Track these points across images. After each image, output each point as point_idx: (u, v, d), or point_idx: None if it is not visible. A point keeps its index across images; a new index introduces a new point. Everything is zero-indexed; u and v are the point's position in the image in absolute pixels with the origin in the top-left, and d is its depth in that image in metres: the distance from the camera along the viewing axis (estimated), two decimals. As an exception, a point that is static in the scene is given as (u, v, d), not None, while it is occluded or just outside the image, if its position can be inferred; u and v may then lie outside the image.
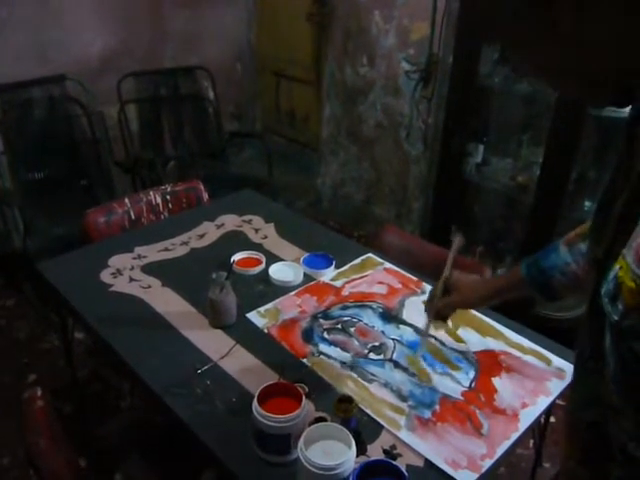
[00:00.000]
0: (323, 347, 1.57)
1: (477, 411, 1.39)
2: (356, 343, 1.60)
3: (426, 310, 1.47)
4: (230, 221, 2.21)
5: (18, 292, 3.16)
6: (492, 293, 1.37)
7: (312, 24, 3.68)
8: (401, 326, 1.67)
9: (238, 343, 1.56)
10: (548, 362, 1.55)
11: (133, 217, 2.28)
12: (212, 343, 1.56)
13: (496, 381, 1.49)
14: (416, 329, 1.66)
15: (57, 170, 3.20)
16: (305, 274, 1.88)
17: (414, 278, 1.90)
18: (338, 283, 1.86)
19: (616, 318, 0.58)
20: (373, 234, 2.35)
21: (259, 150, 3.92)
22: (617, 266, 0.58)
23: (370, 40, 3.39)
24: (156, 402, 1.41)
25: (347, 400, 1.28)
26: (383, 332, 1.65)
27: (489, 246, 3.01)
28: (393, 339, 1.62)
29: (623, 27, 0.56)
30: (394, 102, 3.39)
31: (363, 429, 1.30)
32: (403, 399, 1.41)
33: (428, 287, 1.84)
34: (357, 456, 1.19)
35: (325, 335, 1.62)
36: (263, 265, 1.91)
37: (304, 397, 1.26)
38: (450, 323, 1.66)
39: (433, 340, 1.62)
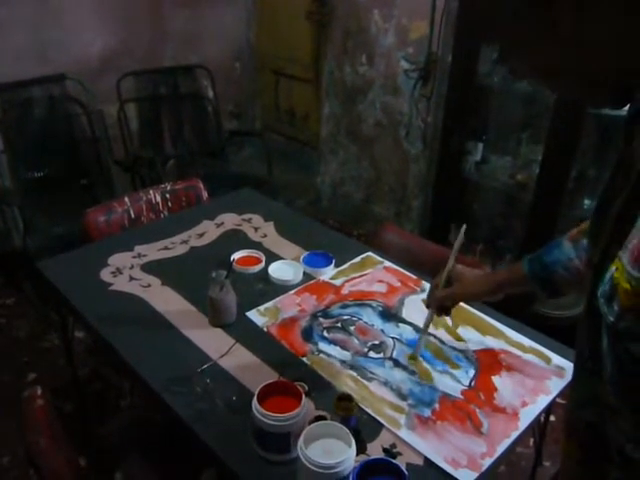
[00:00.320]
0: (323, 346, 1.58)
1: (477, 410, 1.39)
2: (356, 342, 1.60)
3: (428, 302, 1.47)
4: (230, 220, 2.21)
5: (18, 291, 3.16)
6: (493, 287, 1.36)
7: (311, 23, 3.68)
8: (401, 324, 1.67)
9: (238, 342, 1.56)
10: (548, 361, 1.55)
11: (133, 216, 2.28)
12: (212, 342, 1.57)
13: (496, 380, 1.49)
14: (416, 328, 1.66)
15: (57, 169, 3.20)
16: (305, 273, 1.88)
17: (414, 276, 1.90)
18: (338, 282, 1.86)
19: (612, 319, 0.58)
20: (373, 233, 2.35)
21: (259, 149, 3.92)
22: (613, 267, 0.58)
23: (369, 39, 3.39)
24: (156, 401, 1.41)
25: (347, 399, 1.28)
26: (383, 331, 1.65)
27: (489, 244, 3.01)
28: (393, 337, 1.62)
29: (623, 27, 0.56)
30: (393, 101, 3.39)
31: (363, 428, 1.30)
32: (403, 398, 1.41)
33: (428, 285, 1.83)
34: (357, 455, 1.19)
35: (325, 334, 1.62)
36: (263, 264, 1.91)
37: (304, 396, 1.26)
38: (450, 321, 1.67)
39: (433, 339, 1.62)
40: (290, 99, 4.11)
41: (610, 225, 0.64)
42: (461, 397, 1.43)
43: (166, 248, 2.02)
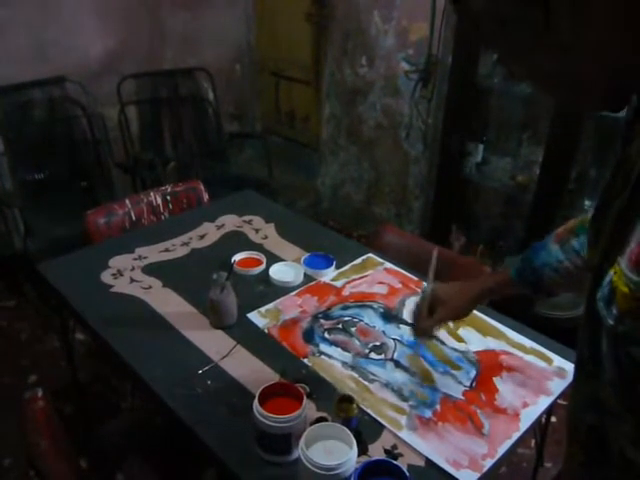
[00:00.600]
0: (324, 347, 1.58)
1: (478, 411, 1.39)
2: (357, 343, 1.60)
3: (415, 332, 1.44)
4: (230, 221, 2.21)
5: (19, 293, 3.16)
6: (478, 297, 1.35)
7: (311, 25, 3.68)
8: (402, 326, 1.67)
9: (239, 343, 1.56)
10: (549, 362, 1.55)
11: (133, 218, 2.28)
12: (213, 343, 1.56)
13: (497, 381, 1.49)
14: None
15: (57, 171, 3.21)
16: (306, 274, 1.88)
17: (414, 278, 1.90)
18: (339, 283, 1.86)
19: (611, 323, 0.58)
20: (373, 234, 2.34)
21: (259, 151, 3.92)
22: (612, 271, 0.58)
23: (369, 40, 3.39)
24: (157, 403, 1.41)
25: (348, 400, 1.28)
26: (384, 332, 1.65)
27: (489, 245, 3.01)
28: (394, 339, 1.62)
29: (620, 32, 0.55)
30: (394, 102, 3.39)
31: (364, 429, 1.30)
32: (404, 399, 1.41)
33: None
34: (358, 456, 1.19)
35: (326, 335, 1.62)
36: (264, 265, 1.91)
37: (305, 397, 1.26)
38: (451, 322, 1.67)
39: (434, 340, 1.62)
40: (290, 101, 4.11)
41: (609, 228, 0.63)
42: (462, 398, 1.43)
43: (167, 250, 2.02)
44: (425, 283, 1.40)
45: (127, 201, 2.29)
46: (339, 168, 3.95)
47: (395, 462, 1.19)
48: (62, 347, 2.48)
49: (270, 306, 1.74)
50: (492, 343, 1.62)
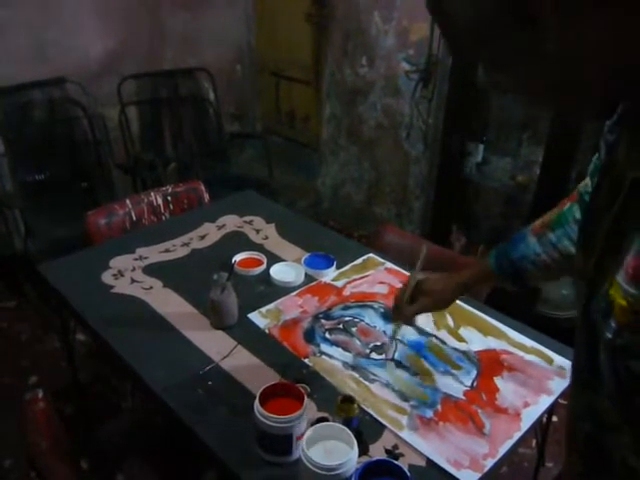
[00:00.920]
0: (325, 347, 1.57)
1: (479, 410, 1.39)
2: (358, 343, 1.60)
3: (394, 318, 1.45)
4: (231, 222, 2.21)
5: (19, 294, 3.16)
6: (460, 290, 1.36)
7: (311, 25, 3.68)
8: (403, 326, 1.67)
9: (240, 344, 1.56)
10: (550, 361, 1.55)
11: (134, 218, 2.28)
12: (213, 344, 1.56)
13: (498, 380, 1.49)
14: (418, 329, 1.66)
15: (58, 172, 3.21)
16: (306, 274, 1.88)
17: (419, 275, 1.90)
18: (339, 283, 1.86)
19: (609, 336, 0.58)
20: (374, 234, 2.34)
21: (259, 151, 3.92)
22: (607, 283, 0.57)
23: (369, 41, 3.39)
24: (157, 403, 1.41)
25: (349, 400, 1.28)
26: (385, 332, 1.65)
27: (489, 245, 3.01)
28: (395, 339, 1.62)
29: (609, 43, 0.54)
30: (394, 102, 3.39)
31: (365, 429, 1.30)
32: (405, 399, 1.41)
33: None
34: (359, 456, 1.19)
35: (327, 335, 1.62)
36: (264, 266, 1.91)
37: (306, 397, 1.26)
38: (452, 321, 1.68)
39: (434, 339, 1.62)
40: (291, 101, 4.11)
41: (602, 238, 0.63)
42: (463, 398, 1.43)
43: (167, 250, 2.02)
44: (411, 273, 1.40)
45: (128, 201, 2.29)
46: (339, 168, 3.94)
47: (396, 462, 1.19)
48: (62, 348, 2.48)
49: (271, 306, 1.74)
50: (493, 343, 1.62)
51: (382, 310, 1.74)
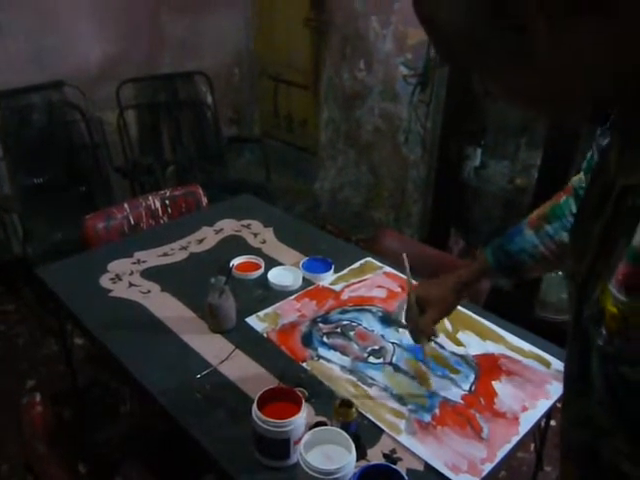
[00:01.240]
0: (322, 351, 1.57)
1: (477, 415, 1.39)
2: (355, 347, 1.60)
3: (416, 338, 1.42)
4: (229, 226, 2.21)
5: (18, 298, 3.16)
6: (458, 289, 1.35)
7: (310, 29, 3.69)
8: (401, 330, 1.67)
9: (238, 348, 1.56)
10: (548, 365, 1.55)
11: (132, 222, 2.28)
12: (211, 348, 1.56)
13: (496, 384, 1.49)
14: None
15: (56, 176, 3.20)
16: (304, 278, 1.88)
17: (413, 282, 1.89)
18: (337, 287, 1.86)
19: (601, 343, 0.58)
20: (372, 238, 2.35)
21: (257, 155, 3.92)
22: (598, 290, 0.57)
23: (367, 45, 3.39)
24: (155, 407, 1.41)
25: (347, 404, 1.28)
26: (383, 336, 1.65)
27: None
28: (393, 343, 1.62)
29: (600, 50, 0.54)
30: (392, 107, 3.40)
31: (363, 433, 1.30)
32: (403, 403, 1.41)
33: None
34: (357, 460, 1.19)
35: (324, 339, 1.62)
36: (262, 270, 1.91)
37: (304, 401, 1.26)
38: (450, 326, 1.68)
39: (433, 344, 1.62)
40: (289, 105, 4.12)
41: (594, 245, 0.63)
42: (461, 402, 1.42)
43: (165, 254, 2.02)
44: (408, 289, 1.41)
45: (126, 205, 2.29)
46: (337, 172, 3.95)
47: (394, 466, 1.19)
48: (61, 351, 2.47)
49: (269, 310, 1.74)
50: (491, 347, 1.62)
51: (380, 314, 1.74)
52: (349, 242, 2.88)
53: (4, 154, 3.04)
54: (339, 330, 1.66)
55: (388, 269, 1.97)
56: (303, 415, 1.23)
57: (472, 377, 1.51)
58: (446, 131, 2.93)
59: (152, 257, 1.99)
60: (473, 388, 1.47)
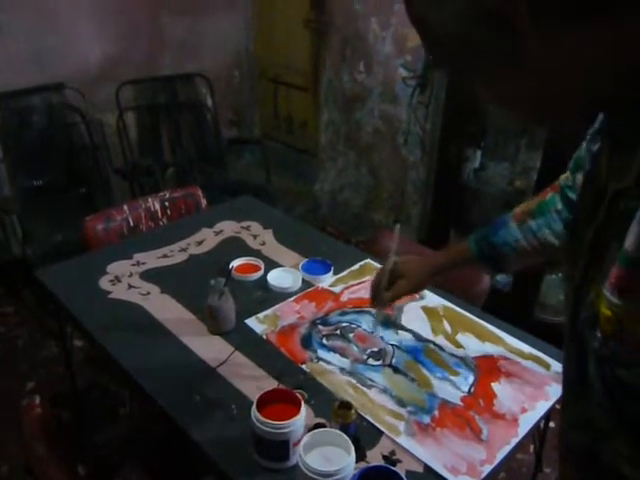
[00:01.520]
0: (322, 353, 1.57)
1: (476, 416, 1.39)
2: (355, 349, 1.60)
3: (374, 304, 1.48)
4: (229, 227, 2.22)
5: (17, 299, 3.16)
6: (437, 271, 1.40)
7: (310, 31, 3.69)
8: (400, 331, 1.67)
9: (237, 349, 1.56)
10: (547, 367, 1.55)
11: (132, 224, 2.28)
12: (211, 350, 1.56)
13: (495, 386, 1.49)
14: (415, 335, 1.66)
15: (56, 177, 3.21)
16: (304, 280, 1.88)
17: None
18: (337, 289, 1.86)
19: (596, 346, 0.58)
20: (371, 239, 2.35)
21: (257, 156, 3.93)
22: (593, 293, 0.58)
23: (367, 47, 3.40)
24: (155, 409, 1.41)
25: (346, 406, 1.28)
26: (382, 338, 1.65)
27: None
28: (392, 344, 1.62)
29: (590, 53, 0.53)
30: (391, 108, 3.40)
31: (362, 435, 1.30)
32: (402, 405, 1.41)
33: (426, 292, 1.84)
34: (356, 462, 1.19)
35: (324, 341, 1.62)
36: (262, 271, 1.91)
37: (303, 403, 1.26)
38: (449, 327, 1.68)
39: (432, 346, 1.62)
40: (289, 107, 4.12)
41: (587, 248, 0.63)
42: (460, 404, 1.43)
43: (165, 256, 2.02)
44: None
45: (125, 207, 2.29)
46: (337, 174, 3.95)
47: (393, 468, 1.19)
48: (60, 353, 2.48)
49: (268, 312, 1.74)
50: (490, 348, 1.62)
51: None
52: (349, 244, 2.88)
53: (4, 155, 3.04)
54: (338, 332, 1.66)
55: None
56: (302, 417, 1.23)
57: (471, 379, 1.51)
58: (445, 133, 2.93)
59: (152, 259, 1.99)
60: (472, 390, 1.47)
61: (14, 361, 2.76)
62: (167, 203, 2.39)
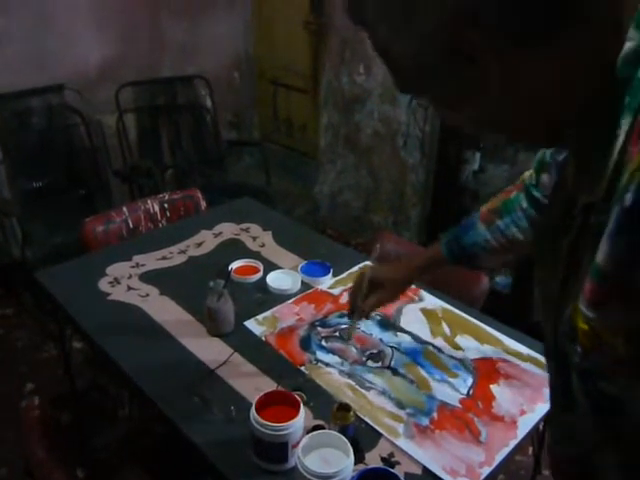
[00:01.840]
0: (321, 355, 1.58)
1: (475, 418, 1.39)
2: (354, 351, 1.60)
3: (352, 312, 1.50)
4: (228, 229, 2.22)
5: (17, 301, 3.16)
6: (412, 277, 1.46)
7: (309, 32, 3.70)
8: (399, 333, 1.67)
9: (236, 351, 1.56)
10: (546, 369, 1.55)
11: (131, 226, 2.28)
12: (210, 351, 1.56)
13: (494, 388, 1.49)
14: (414, 337, 1.66)
15: (55, 179, 3.21)
16: (303, 282, 1.88)
17: (412, 285, 1.90)
18: (336, 291, 1.87)
19: (577, 360, 0.58)
20: (370, 242, 2.35)
21: (257, 158, 3.93)
22: (570, 307, 0.58)
23: (367, 49, 3.39)
24: (154, 411, 1.41)
25: (345, 408, 1.28)
26: (381, 340, 1.65)
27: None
28: (391, 346, 1.62)
29: (549, 74, 0.55)
30: (391, 110, 3.40)
31: (361, 437, 1.30)
32: (401, 407, 1.41)
33: (426, 294, 1.85)
34: (355, 464, 1.19)
35: (323, 343, 1.62)
36: (261, 273, 1.91)
37: (302, 405, 1.26)
38: (448, 329, 1.68)
39: (431, 347, 1.62)
40: (288, 109, 4.13)
41: (564, 262, 0.63)
42: (459, 406, 1.43)
43: (164, 258, 2.02)
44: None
45: (125, 209, 2.29)
46: (337, 176, 3.95)
47: (392, 470, 1.19)
48: (59, 355, 2.47)
49: (267, 314, 1.74)
50: (489, 351, 1.62)
51: (378, 318, 1.74)
52: (348, 246, 2.88)
53: (3, 157, 3.04)
54: (337, 334, 1.66)
55: (387, 273, 1.97)
56: (301, 419, 1.23)
57: (470, 381, 1.51)
58: (445, 135, 2.94)
59: (151, 260, 1.99)
60: (471, 392, 1.47)
61: (13, 363, 2.76)
62: (166, 205, 2.39)
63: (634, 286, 0.49)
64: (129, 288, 1.84)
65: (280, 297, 1.82)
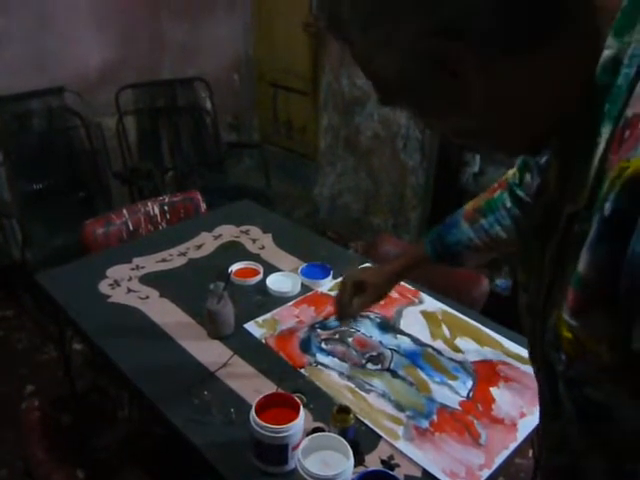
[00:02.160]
0: (321, 357, 1.58)
1: (475, 421, 1.39)
2: (354, 353, 1.60)
3: (339, 316, 1.51)
4: (228, 231, 2.22)
5: (17, 303, 3.16)
6: (397, 277, 1.46)
7: (309, 35, 3.70)
8: (399, 336, 1.68)
9: (236, 354, 1.56)
10: (545, 371, 1.55)
11: (131, 228, 2.28)
12: (210, 354, 1.57)
13: (494, 391, 1.49)
14: (414, 339, 1.66)
15: (56, 181, 3.21)
16: (303, 284, 1.88)
17: (411, 288, 1.90)
18: (336, 293, 1.86)
19: (561, 368, 0.59)
20: (370, 244, 2.35)
21: (257, 160, 3.93)
22: (554, 316, 0.58)
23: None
24: (154, 413, 1.41)
25: (345, 410, 1.28)
26: (381, 342, 1.65)
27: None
28: (391, 349, 1.62)
29: (533, 85, 0.55)
30: (391, 113, 3.40)
31: (361, 439, 1.30)
32: (401, 409, 1.41)
33: (425, 297, 1.85)
34: (355, 466, 1.19)
35: (323, 345, 1.62)
36: (261, 275, 1.91)
37: (302, 407, 1.26)
38: (448, 332, 1.68)
39: (431, 350, 1.62)
40: (288, 111, 4.13)
41: (549, 269, 0.63)
42: (459, 408, 1.43)
43: (164, 260, 2.02)
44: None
45: (125, 211, 2.29)
46: (337, 178, 3.95)
47: (392, 473, 1.20)
48: (60, 357, 2.47)
49: (267, 316, 1.74)
50: (489, 353, 1.63)
51: (378, 320, 1.74)
52: (348, 248, 2.88)
53: (4, 159, 3.04)
54: (337, 336, 1.66)
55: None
56: (301, 421, 1.23)
57: (470, 383, 1.51)
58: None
59: (151, 263, 2.00)
60: (471, 394, 1.47)
61: (13, 364, 2.76)
62: (166, 207, 2.39)
63: (615, 294, 0.50)
64: (129, 290, 1.84)
65: (280, 299, 1.82)
